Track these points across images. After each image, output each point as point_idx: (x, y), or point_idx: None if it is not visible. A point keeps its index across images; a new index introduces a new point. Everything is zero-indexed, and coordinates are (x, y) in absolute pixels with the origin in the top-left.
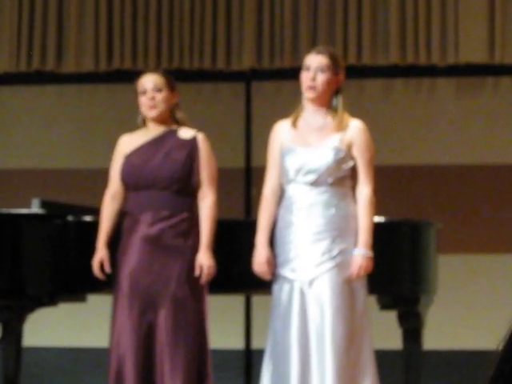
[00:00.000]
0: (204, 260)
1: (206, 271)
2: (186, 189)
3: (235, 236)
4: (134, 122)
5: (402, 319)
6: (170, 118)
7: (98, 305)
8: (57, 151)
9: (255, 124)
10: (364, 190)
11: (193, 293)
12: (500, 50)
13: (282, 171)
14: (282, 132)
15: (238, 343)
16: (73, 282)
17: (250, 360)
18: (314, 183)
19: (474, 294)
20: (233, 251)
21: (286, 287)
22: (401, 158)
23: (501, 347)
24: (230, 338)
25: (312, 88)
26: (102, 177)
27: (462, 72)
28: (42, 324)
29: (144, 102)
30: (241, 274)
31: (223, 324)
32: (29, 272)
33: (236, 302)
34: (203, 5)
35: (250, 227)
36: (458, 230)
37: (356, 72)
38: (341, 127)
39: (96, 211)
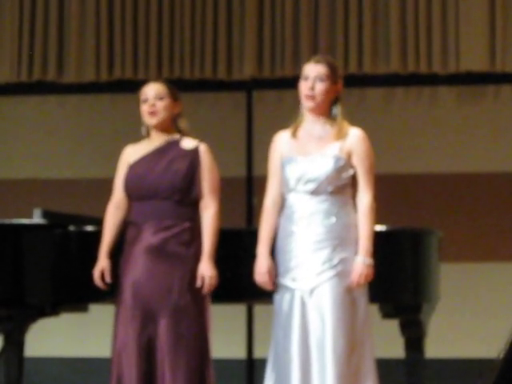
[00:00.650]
0: (206, 270)
1: (207, 281)
2: (188, 199)
3: (237, 245)
4: (135, 131)
5: (404, 328)
6: (172, 127)
7: (100, 315)
8: (58, 161)
9: (256, 133)
10: (364, 198)
11: (195, 302)
12: (501, 59)
13: (283, 181)
14: (282, 142)
15: (240, 353)
16: (74, 292)
17: (252, 369)
18: (314, 192)
19: (475, 302)
20: (234, 260)
21: (287, 296)
22: (402, 167)
23: (502, 355)
24: (232, 348)
25: (311, 97)
26: (104, 187)
27: (463, 80)
28: (44, 334)
29: (145, 109)
30: (242, 283)
31: (225, 333)
32: (30, 282)
33: (238, 311)
34: (204, 14)
35: (252, 236)
36: (460, 238)
37: (357, 81)
38: (340, 135)
39: (97, 221)
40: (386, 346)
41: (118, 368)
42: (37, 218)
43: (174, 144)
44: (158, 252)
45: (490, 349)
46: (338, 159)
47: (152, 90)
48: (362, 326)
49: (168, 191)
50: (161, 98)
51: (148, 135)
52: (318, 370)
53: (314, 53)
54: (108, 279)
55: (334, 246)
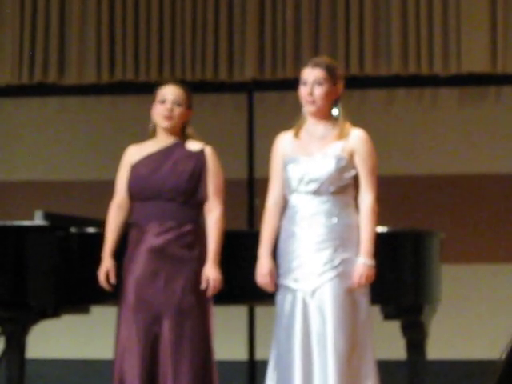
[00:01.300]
0: (210, 273)
1: (212, 284)
2: (192, 201)
3: (238, 247)
4: (136, 133)
5: (406, 329)
6: (180, 132)
7: (102, 316)
8: (59, 163)
9: (258, 135)
10: (366, 198)
11: (198, 303)
12: (502, 60)
13: (285, 182)
14: (284, 143)
15: (241, 354)
16: (76, 293)
17: (253, 371)
18: (316, 192)
19: (477, 303)
20: (236, 262)
21: (288, 297)
22: (403, 168)
23: (503, 357)
24: (233, 349)
25: (311, 102)
26: (105, 188)
27: (464, 82)
28: (46, 336)
29: (161, 111)
30: (244, 284)
31: (227, 335)
32: (32, 284)
33: (239, 312)
34: (205, 16)
35: (254, 238)
36: (462, 239)
37: (358, 82)
38: (342, 136)
39: (99, 223)
40: (388, 348)
41: (120, 369)
42: (38, 220)
43: (179, 146)
44: (160, 253)
45: (491, 350)
46: (339, 159)
47: (172, 95)
48: (362, 326)
49: (172, 192)
50: (179, 104)
51: (153, 134)
52: (320, 371)
53: (315, 54)
54: (113, 280)
55: (336, 247)
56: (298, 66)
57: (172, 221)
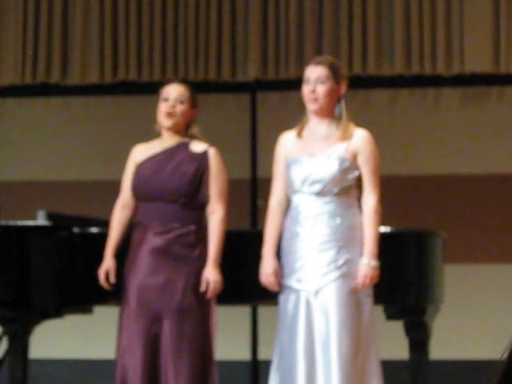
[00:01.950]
0: (211, 275)
1: (212, 286)
2: (195, 202)
3: (242, 247)
4: (139, 133)
5: (409, 329)
6: (185, 131)
7: (105, 316)
8: (62, 163)
9: (261, 135)
10: (370, 199)
11: (199, 303)
12: (505, 60)
13: (288, 182)
14: (287, 143)
15: (244, 354)
16: (79, 293)
17: (256, 371)
18: (320, 193)
19: (480, 303)
20: (239, 262)
21: (292, 297)
22: (406, 168)
23: (505, 356)
24: (236, 349)
25: (313, 100)
26: (108, 188)
27: (468, 82)
28: (49, 336)
29: (163, 109)
30: (247, 284)
31: (230, 335)
32: (35, 284)
33: (242, 312)
34: (208, 16)
35: (257, 238)
36: (465, 239)
37: (361, 82)
38: (346, 136)
39: (101, 223)
40: (391, 348)
41: (122, 369)
42: (41, 220)
43: (183, 146)
44: (162, 253)
45: (494, 350)
46: (343, 160)
47: (175, 92)
48: (366, 327)
49: (175, 194)
50: (181, 102)
51: (159, 134)
52: (324, 371)
53: (318, 54)
54: (113, 279)
55: (339, 247)
56: (301, 66)
57: (174, 222)
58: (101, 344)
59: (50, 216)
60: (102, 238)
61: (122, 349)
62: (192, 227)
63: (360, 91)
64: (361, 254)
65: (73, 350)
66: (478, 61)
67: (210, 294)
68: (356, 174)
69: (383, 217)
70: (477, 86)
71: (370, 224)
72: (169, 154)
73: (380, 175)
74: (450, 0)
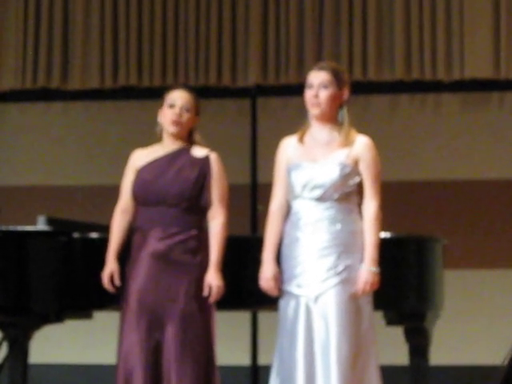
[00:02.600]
0: (213, 280)
1: (215, 291)
2: (196, 207)
3: (242, 252)
4: (139, 138)
5: (409, 335)
6: (186, 138)
7: (104, 321)
8: (63, 168)
9: (261, 140)
10: (370, 205)
11: (200, 309)
12: (505, 66)
13: (289, 187)
14: (288, 148)
15: (244, 359)
16: (79, 298)
17: (256, 376)
18: (320, 199)
19: (480, 309)
20: (239, 267)
21: (292, 303)
22: (406, 174)
23: (506, 362)
24: (236, 355)
25: (316, 105)
26: (108, 193)
27: (468, 87)
28: (49, 341)
29: (170, 115)
30: (247, 290)
31: (230, 340)
32: (35, 289)
33: (242, 317)
34: (208, 21)
35: (257, 243)
36: (465, 245)
37: (361, 88)
38: (347, 142)
39: (101, 228)
40: (391, 353)
41: (124, 374)
42: (41, 225)
43: (185, 151)
44: (163, 258)
45: (494, 356)
46: (344, 166)
47: (181, 100)
48: (366, 333)
49: (176, 198)
50: (188, 110)
51: (160, 137)
52: (323, 377)
53: (318, 60)
54: (117, 282)
55: (339, 253)
56: (302, 71)
57: (175, 227)
58: (100, 349)
59: (49, 221)
60: (102, 243)
61: (125, 353)
62: (193, 232)
63: (360, 97)
64: (361, 260)
65: (73, 355)
66: (478, 66)
67: (213, 298)
68: (357, 180)
69: (383, 222)
70: (477, 91)
71: (370, 230)
72: (170, 158)
73: (381, 182)
74: (450, 6)
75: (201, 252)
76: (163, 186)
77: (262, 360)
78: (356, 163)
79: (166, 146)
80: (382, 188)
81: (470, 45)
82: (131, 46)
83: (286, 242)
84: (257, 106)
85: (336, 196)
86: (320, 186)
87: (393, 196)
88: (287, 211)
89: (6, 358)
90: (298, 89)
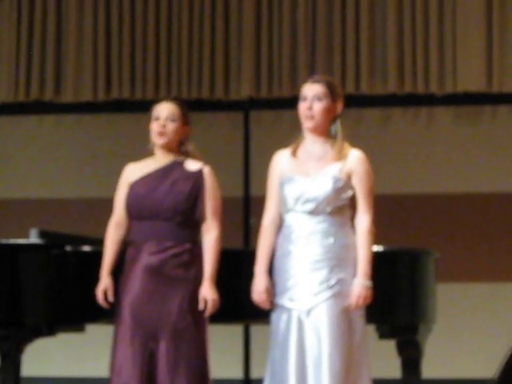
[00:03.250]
0: (208, 294)
1: (210, 304)
2: (190, 221)
3: (234, 265)
4: (132, 151)
5: (401, 348)
6: (178, 149)
7: (97, 335)
8: (55, 181)
9: (254, 153)
10: (363, 219)
11: (194, 323)
12: (498, 79)
13: (281, 200)
14: (281, 161)
15: (237, 372)
16: (71, 312)
17: None
18: (313, 212)
19: (472, 322)
20: (231, 280)
21: (284, 316)
22: (399, 187)
23: (496, 376)
24: (229, 368)
25: (309, 117)
26: (100, 206)
27: (460, 101)
28: (41, 354)
29: (155, 128)
30: (240, 303)
31: (222, 353)
32: (27, 302)
33: (235, 331)
34: (201, 34)
35: (249, 257)
36: (457, 258)
37: (354, 101)
38: (340, 156)
39: (94, 241)
40: (383, 367)
41: None
42: (33, 238)
43: (178, 165)
44: (156, 272)
45: (486, 369)
46: (337, 180)
47: (165, 110)
48: (358, 346)
49: (170, 212)
50: (173, 120)
51: (153, 153)
52: None
53: (311, 73)
54: (111, 298)
55: (332, 267)
56: (295, 84)
57: (169, 240)
58: (93, 362)
59: (42, 234)
60: (95, 256)
61: (118, 366)
62: (187, 246)
63: (353, 110)
64: (353, 274)
65: (65, 368)
66: (470, 80)
67: (208, 312)
68: (350, 193)
69: (375, 235)
70: (469, 104)
71: (363, 244)
72: (163, 172)
73: (374, 196)
74: (442, 19)
75: (194, 266)
76: (157, 199)
77: (254, 373)
78: (349, 177)
79: (159, 160)
80: (375, 201)
81: (462, 58)
82: (124, 59)
83: (278, 254)
84: (250, 119)
85: (329, 210)
86: (313, 199)
87: (385, 209)
88: (280, 224)
89: None
90: (291, 102)
